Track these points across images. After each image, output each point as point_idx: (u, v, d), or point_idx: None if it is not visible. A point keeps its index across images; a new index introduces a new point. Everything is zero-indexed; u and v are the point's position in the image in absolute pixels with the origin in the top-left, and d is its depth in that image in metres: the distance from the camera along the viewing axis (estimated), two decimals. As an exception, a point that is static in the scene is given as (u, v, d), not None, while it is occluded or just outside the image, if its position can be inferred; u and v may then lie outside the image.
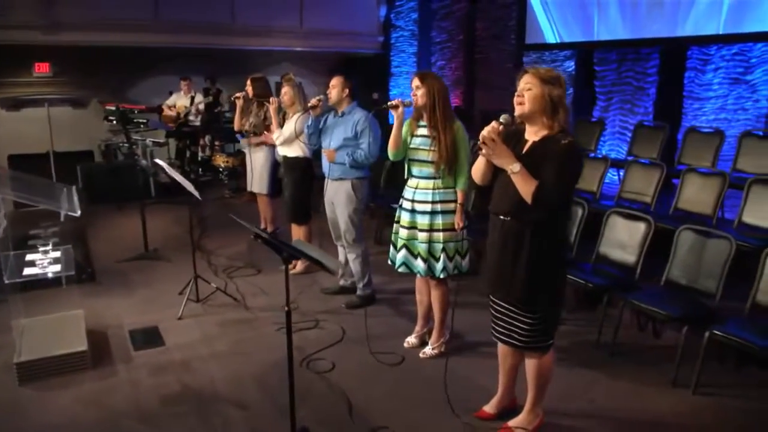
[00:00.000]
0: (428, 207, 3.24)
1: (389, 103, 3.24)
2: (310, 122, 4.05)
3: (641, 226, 3.76)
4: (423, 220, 3.26)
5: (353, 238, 4.07)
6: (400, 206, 3.41)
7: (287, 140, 4.54)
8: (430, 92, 3.14)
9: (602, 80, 6.57)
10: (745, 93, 5.19)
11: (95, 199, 7.15)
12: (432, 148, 3.19)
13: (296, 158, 4.62)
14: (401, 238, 3.38)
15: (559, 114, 2.41)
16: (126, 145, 8.10)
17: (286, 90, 4.53)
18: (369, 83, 10.34)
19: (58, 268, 3.40)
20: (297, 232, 4.91)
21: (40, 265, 3.36)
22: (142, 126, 7.87)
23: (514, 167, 2.38)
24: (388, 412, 2.92)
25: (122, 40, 8.52)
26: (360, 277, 4.20)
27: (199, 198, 4.23)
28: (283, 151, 4.67)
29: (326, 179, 4.10)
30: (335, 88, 3.93)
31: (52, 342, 3.33)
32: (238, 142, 8.38)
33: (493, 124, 2.41)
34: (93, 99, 9.59)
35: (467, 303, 3.75)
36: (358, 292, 4.27)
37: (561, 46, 6.97)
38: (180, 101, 8.79)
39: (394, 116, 3.22)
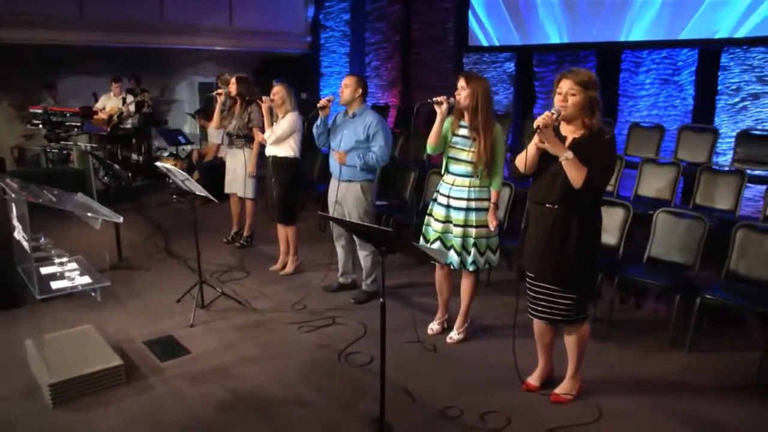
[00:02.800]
0: (463, 204, 3.43)
1: (435, 99, 3.36)
2: (319, 122, 4.10)
3: (620, 212, 4.24)
4: (458, 216, 3.45)
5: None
6: (435, 200, 3.57)
7: (279, 140, 4.55)
8: (474, 94, 3.30)
9: (541, 80, 7.14)
10: (674, 92, 5.94)
11: (31, 208, 6.60)
12: (471, 149, 3.38)
13: (286, 158, 4.64)
14: (435, 231, 3.55)
15: (596, 114, 2.75)
16: (55, 150, 7.54)
17: (277, 90, 4.54)
18: (297, 83, 10.31)
19: (87, 279, 3.20)
20: (283, 233, 4.93)
21: (69, 278, 3.15)
22: (75, 130, 7.34)
23: (567, 154, 2.67)
24: (445, 395, 3.11)
25: (41, 39, 7.90)
26: (368, 273, 4.33)
27: (216, 201, 4.13)
28: (272, 152, 4.66)
29: (333, 179, 4.19)
30: (348, 87, 3.99)
31: (77, 359, 3.15)
32: (181, 144, 8.12)
33: (548, 113, 2.68)
34: (2, 102, 8.80)
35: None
36: (364, 287, 4.39)
37: (501, 49, 7.47)
38: (110, 103, 8.31)
39: (438, 112, 3.35)
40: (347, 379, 3.30)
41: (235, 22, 9.77)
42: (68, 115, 7.39)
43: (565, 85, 2.73)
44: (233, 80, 5.31)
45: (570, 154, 2.68)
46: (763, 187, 4.80)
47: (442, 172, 3.57)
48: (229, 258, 5.33)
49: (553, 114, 2.69)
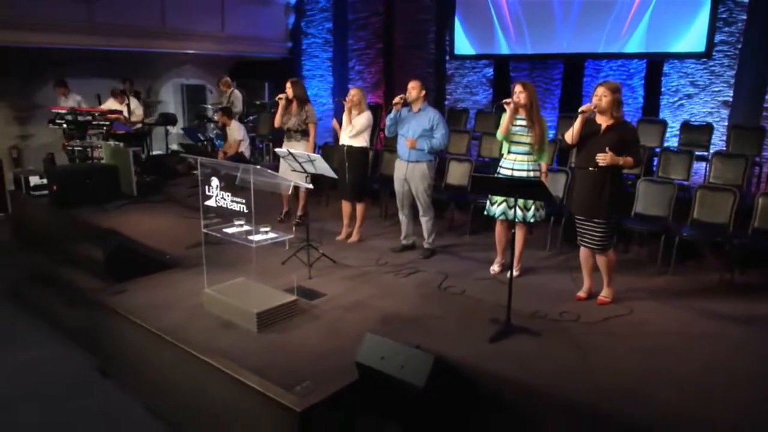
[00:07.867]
0: (525, 174, 4.76)
1: (505, 101, 4.67)
2: (393, 115, 5.31)
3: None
4: None
5: (428, 205, 5.45)
6: (498, 173, 4.87)
7: (358, 133, 5.67)
8: (530, 96, 4.67)
9: (516, 83, 8.65)
10: (627, 92, 7.65)
11: (73, 202, 7.13)
12: (529, 134, 4.73)
13: (361, 148, 5.78)
14: (500, 196, 4.83)
15: (620, 110, 4.21)
16: (79, 148, 8.06)
17: (354, 92, 5.66)
18: (277, 85, 11.25)
19: (274, 234, 4.19)
20: (348, 209, 6.04)
21: (263, 232, 4.11)
22: (104, 128, 7.94)
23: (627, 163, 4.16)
24: (528, 306, 4.38)
25: (53, 41, 8.41)
26: (429, 234, 5.59)
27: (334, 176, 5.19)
28: (348, 142, 5.75)
29: (402, 161, 5.39)
30: (414, 89, 5.26)
31: (258, 299, 4.15)
32: (200, 141, 8.87)
33: (588, 104, 4.17)
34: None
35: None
36: (426, 245, 5.64)
37: (482, 57, 8.92)
38: (115, 107, 8.87)
39: (507, 110, 4.66)
40: (455, 302, 4.55)
41: (226, 28, 10.57)
42: (97, 114, 7.97)
43: (600, 90, 4.19)
44: (288, 84, 6.29)
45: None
46: (701, 164, 6.55)
47: (503, 153, 4.89)
48: (293, 233, 6.31)
49: (591, 106, 4.13)
